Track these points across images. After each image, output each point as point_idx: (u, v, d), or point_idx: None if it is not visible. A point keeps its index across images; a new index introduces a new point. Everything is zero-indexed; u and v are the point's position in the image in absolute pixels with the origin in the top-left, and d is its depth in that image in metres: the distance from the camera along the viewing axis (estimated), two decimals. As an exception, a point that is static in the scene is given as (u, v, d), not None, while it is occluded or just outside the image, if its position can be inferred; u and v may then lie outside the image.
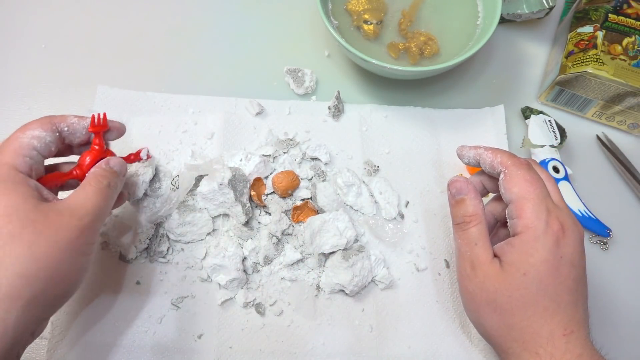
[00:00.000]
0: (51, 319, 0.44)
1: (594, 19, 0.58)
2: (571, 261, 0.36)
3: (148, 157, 0.48)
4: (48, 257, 0.33)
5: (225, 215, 0.50)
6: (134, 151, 0.48)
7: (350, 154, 0.55)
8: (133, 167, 0.47)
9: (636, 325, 0.49)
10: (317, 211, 0.51)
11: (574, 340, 0.35)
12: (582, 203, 0.53)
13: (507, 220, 0.38)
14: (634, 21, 0.56)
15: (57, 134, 0.39)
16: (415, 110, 0.59)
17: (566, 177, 0.54)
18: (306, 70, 0.60)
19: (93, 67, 0.60)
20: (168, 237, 0.49)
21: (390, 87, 0.61)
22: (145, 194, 0.48)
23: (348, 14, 0.60)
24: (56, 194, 0.40)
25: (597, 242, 0.53)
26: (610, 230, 0.52)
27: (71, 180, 0.41)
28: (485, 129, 0.58)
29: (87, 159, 0.41)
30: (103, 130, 0.42)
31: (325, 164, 0.54)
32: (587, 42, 0.56)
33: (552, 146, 0.55)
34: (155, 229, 0.49)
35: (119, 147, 0.46)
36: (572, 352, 0.34)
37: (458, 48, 0.58)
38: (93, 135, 0.41)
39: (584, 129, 0.60)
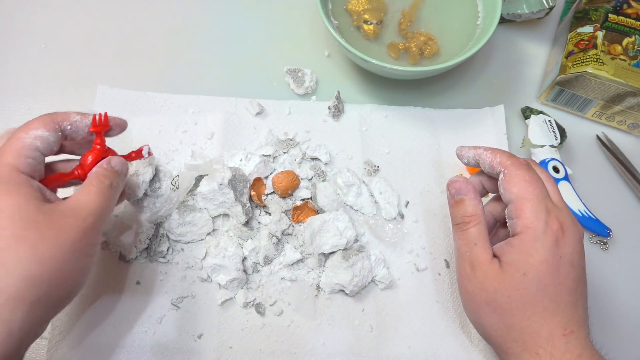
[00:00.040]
0: (51, 319, 0.44)
1: (594, 19, 0.58)
2: (571, 261, 0.36)
3: (149, 154, 0.48)
4: (52, 258, 0.33)
5: (225, 215, 0.50)
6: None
7: (350, 154, 0.55)
8: (133, 167, 0.47)
9: (636, 325, 0.49)
10: (317, 211, 0.51)
11: (574, 340, 0.35)
12: (582, 203, 0.53)
13: (507, 220, 0.38)
14: (634, 21, 0.56)
15: (60, 133, 0.39)
16: (415, 110, 0.59)
17: (566, 177, 0.54)
18: (306, 70, 0.60)
19: (93, 67, 0.60)
20: (168, 237, 0.49)
21: (390, 87, 0.61)
22: (146, 194, 0.48)
23: (348, 14, 0.60)
24: (55, 192, 0.40)
25: (597, 242, 0.53)
26: (610, 230, 0.52)
27: (73, 180, 0.41)
28: (485, 129, 0.58)
29: (89, 159, 0.41)
30: (104, 130, 0.42)
31: (325, 164, 0.54)
32: (587, 42, 0.56)
33: (552, 146, 0.55)
34: (155, 229, 0.49)
35: (120, 147, 0.46)
36: (572, 352, 0.34)
37: (458, 48, 0.58)
38: (94, 134, 0.41)
39: (584, 129, 0.60)
